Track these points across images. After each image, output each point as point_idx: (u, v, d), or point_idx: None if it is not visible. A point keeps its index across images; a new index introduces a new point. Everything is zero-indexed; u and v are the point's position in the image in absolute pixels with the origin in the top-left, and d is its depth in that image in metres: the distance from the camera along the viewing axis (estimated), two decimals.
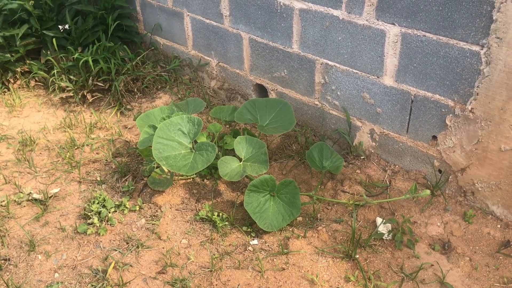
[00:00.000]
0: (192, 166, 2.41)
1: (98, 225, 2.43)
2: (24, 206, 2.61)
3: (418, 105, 2.44)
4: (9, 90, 3.67)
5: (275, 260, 2.22)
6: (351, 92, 2.69)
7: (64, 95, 3.53)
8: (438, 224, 2.36)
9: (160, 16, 3.69)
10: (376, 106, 2.61)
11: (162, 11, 3.65)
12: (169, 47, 3.77)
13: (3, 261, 2.29)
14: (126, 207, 2.53)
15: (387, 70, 2.48)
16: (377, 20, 2.41)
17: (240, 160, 2.52)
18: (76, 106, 3.49)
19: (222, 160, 2.48)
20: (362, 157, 2.77)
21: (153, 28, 3.79)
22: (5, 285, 2.14)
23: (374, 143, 2.74)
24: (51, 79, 3.57)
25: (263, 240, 2.33)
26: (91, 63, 3.38)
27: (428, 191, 2.27)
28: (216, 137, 2.79)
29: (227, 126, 3.13)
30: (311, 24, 2.69)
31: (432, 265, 2.17)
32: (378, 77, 2.53)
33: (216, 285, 2.11)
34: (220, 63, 3.43)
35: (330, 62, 2.71)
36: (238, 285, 2.10)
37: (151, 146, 2.55)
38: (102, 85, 3.50)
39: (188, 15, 3.45)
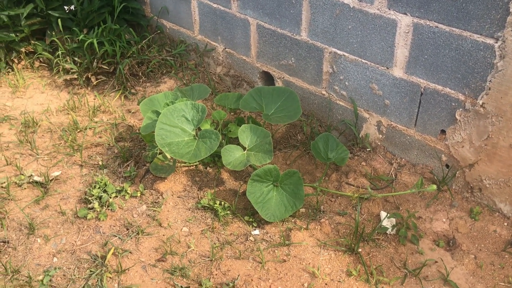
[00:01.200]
0: (195, 153, 2.37)
1: (98, 210, 2.41)
2: (25, 188, 2.58)
3: (428, 98, 2.38)
4: (13, 70, 3.63)
5: (276, 251, 2.19)
6: (359, 82, 2.64)
7: (68, 77, 3.49)
8: (444, 220, 2.32)
9: (166, 0, 3.63)
10: (385, 97, 2.56)
11: None
12: (175, 31, 3.71)
13: (2, 244, 2.27)
14: (128, 193, 2.51)
15: (397, 61, 2.42)
16: (389, 9, 2.34)
17: (244, 149, 2.48)
18: (80, 88, 3.45)
19: (226, 149, 2.44)
20: (368, 149, 2.72)
21: (160, 11, 3.72)
22: (3, 268, 2.12)
23: (381, 136, 2.68)
24: (55, 61, 3.52)
25: (264, 231, 2.30)
26: (96, 45, 3.33)
27: (434, 186, 2.22)
28: (220, 124, 2.74)
29: (232, 113, 3.08)
30: (320, 11, 2.62)
31: (436, 261, 2.13)
32: (387, 68, 2.47)
33: (216, 274, 2.09)
34: (226, 49, 3.37)
35: (339, 51, 2.65)
36: (238, 275, 2.07)
37: (154, 132, 2.51)
38: (106, 68, 3.45)
39: None
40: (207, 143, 2.39)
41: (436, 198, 2.42)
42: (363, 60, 2.56)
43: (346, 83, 2.70)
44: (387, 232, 2.26)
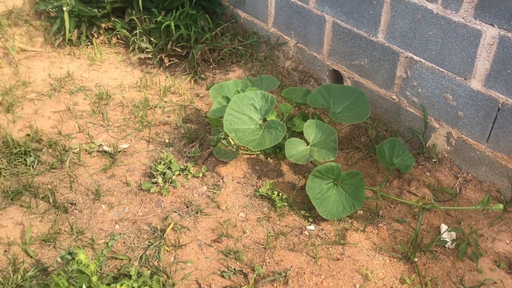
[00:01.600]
0: (260, 142, 2.40)
1: (161, 185, 2.49)
2: (94, 156, 2.72)
3: (505, 114, 2.30)
4: (91, 44, 3.81)
5: (330, 249, 2.19)
6: (433, 91, 2.58)
7: (142, 56, 3.62)
8: (507, 241, 2.24)
9: None
10: (458, 109, 2.49)
11: None
12: (249, 22, 3.76)
13: (69, 205, 2.40)
14: (190, 172, 2.58)
15: (476, 73, 2.35)
16: (475, 19, 2.27)
17: (308, 144, 2.49)
18: (153, 68, 3.57)
19: (290, 141, 2.46)
20: (433, 160, 2.66)
21: (236, 1, 3.78)
22: (70, 227, 2.25)
23: (449, 147, 2.61)
24: (132, 39, 3.66)
25: (320, 227, 2.31)
26: (173, 27, 3.44)
27: (501, 205, 2.15)
28: (285, 117, 2.76)
29: (296, 108, 3.09)
30: (401, 14, 2.58)
31: (495, 282, 2.06)
32: (465, 79, 2.40)
33: (269, 262, 2.12)
34: (298, 44, 3.38)
35: (415, 57, 2.60)
36: (291, 266, 2.09)
37: (222, 117, 2.57)
38: (180, 51, 3.55)
39: None
40: (273, 134, 2.42)
41: (501, 218, 2.34)
42: (440, 69, 2.50)
43: (419, 90, 2.64)
44: (446, 245, 2.20)
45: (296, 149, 2.45)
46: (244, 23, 3.82)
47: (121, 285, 1.72)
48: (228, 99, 2.62)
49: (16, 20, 4.08)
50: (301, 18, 3.26)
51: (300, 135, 2.63)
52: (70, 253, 1.86)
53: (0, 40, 3.75)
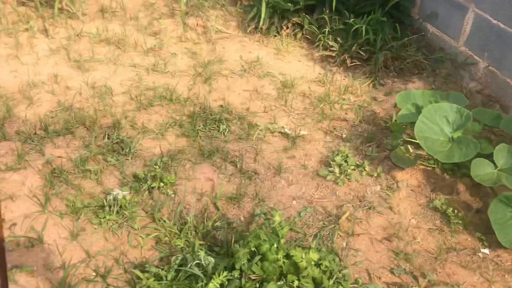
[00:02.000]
0: (448, 155, 2.40)
1: (337, 175, 2.61)
2: (276, 136, 2.93)
3: None
4: (279, 35, 4.07)
5: (506, 276, 2.12)
6: None
7: (325, 53, 3.78)
8: None
9: (439, 5, 3.65)
10: None
11: (444, 1, 3.60)
12: (437, 37, 3.73)
13: (253, 174, 2.63)
14: (365, 170, 2.66)
15: None
16: None
17: (495, 167, 2.43)
18: (334, 66, 3.72)
19: (478, 161, 2.42)
20: None
21: (428, 15, 3.77)
22: (254, 193, 2.47)
23: None
24: (319, 36, 3.85)
25: (496, 253, 2.24)
26: (363, 31, 3.54)
27: None
28: (471, 136, 2.71)
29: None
30: None
31: None
32: None
33: (439, 272, 2.12)
34: (489, 67, 3.27)
35: None
36: (464, 282, 2.07)
37: (406, 124, 2.61)
38: (363, 54, 3.65)
39: (474, 10, 3.34)
40: (463, 150, 2.40)
41: None
42: None
43: None
44: None
45: (483, 170, 2.40)
46: (431, 37, 3.80)
47: (311, 253, 1.86)
48: (418, 107, 2.66)
49: (214, 3, 4.53)
50: (501, 41, 3.15)
51: (483, 157, 2.56)
52: (264, 213, 2.05)
53: (201, 19, 4.19)
